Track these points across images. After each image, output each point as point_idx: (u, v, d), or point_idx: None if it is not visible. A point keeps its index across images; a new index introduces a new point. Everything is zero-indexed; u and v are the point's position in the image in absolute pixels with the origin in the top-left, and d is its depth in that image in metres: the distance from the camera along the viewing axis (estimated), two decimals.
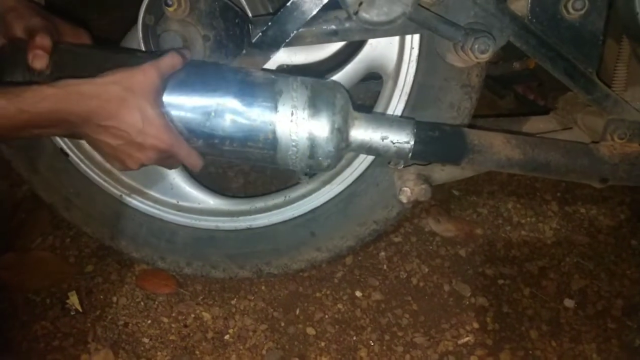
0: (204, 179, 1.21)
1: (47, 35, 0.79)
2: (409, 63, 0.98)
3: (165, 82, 0.79)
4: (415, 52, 0.97)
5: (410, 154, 0.82)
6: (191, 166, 0.86)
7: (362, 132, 0.82)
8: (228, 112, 0.78)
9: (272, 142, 0.79)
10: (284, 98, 0.78)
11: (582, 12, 0.81)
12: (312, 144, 0.78)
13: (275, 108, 0.78)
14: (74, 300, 1.19)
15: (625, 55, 0.92)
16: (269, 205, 1.15)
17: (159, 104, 0.78)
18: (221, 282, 1.22)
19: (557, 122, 1.09)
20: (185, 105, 0.79)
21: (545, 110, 1.38)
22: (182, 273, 1.20)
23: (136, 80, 0.75)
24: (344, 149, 0.82)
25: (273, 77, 0.82)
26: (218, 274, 1.18)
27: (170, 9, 0.84)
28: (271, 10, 1.07)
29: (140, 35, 0.99)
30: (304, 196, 1.13)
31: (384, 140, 0.82)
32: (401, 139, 0.82)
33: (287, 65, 1.03)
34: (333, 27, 0.86)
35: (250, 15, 0.96)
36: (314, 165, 0.82)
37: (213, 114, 0.78)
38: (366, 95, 1.28)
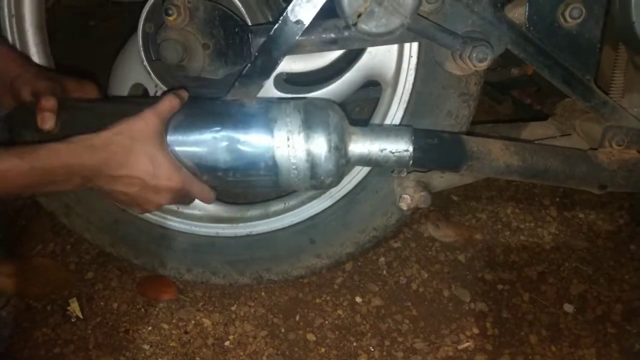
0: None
1: (52, 96, 0.83)
2: (407, 71, 0.99)
3: (167, 124, 0.82)
4: (414, 60, 0.97)
5: (410, 162, 0.83)
6: (204, 201, 0.90)
7: (360, 146, 0.83)
8: (227, 145, 0.81)
9: (273, 168, 0.82)
10: (278, 124, 0.81)
11: (580, 20, 0.82)
12: (312, 165, 0.80)
13: (272, 135, 0.81)
14: (74, 307, 1.20)
15: (622, 62, 0.92)
16: (269, 212, 1.15)
17: (164, 146, 0.81)
18: (221, 289, 1.22)
19: (556, 128, 1.09)
20: (187, 143, 0.82)
21: (544, 115, 1.39)
22: (182, 279, 1.20)
23: (138, 128, 0.78)
24: (344, 165, 0.83)
25: (266, 105, 0.84)
26: (218, 280, 1.18)
27: (170, 18, 0.85)
28: (270, 19, 1.08)
29: (140, 43, 1.00)
30: (303, 203, 1.13)
31: (383, 152, 0.83)
32: (400, 147, 0.83)
33: (287, 74, 1.03)
34: (332, 35, 0.87)
35: (249, 24, 0.97)
36: (318, 185, 0.84)
37: (213, 148, 0.81)
38: (365, 102, 1.28)
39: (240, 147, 0.82)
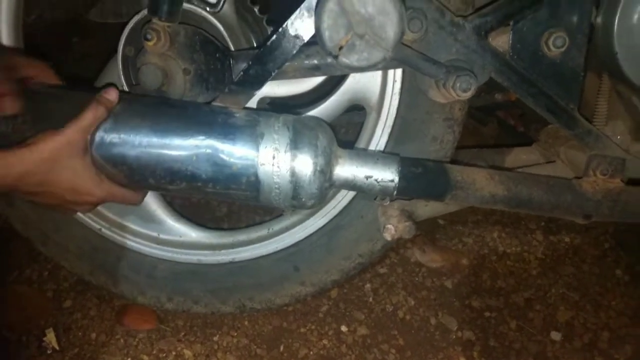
0: (187, 209, 1.19)
1: (7, 79, 0.78)
2: (391, 96, 0.98)
3: (94, 135, 0.79)
4: (398, 85, 0.97)
5: (395, 192, 0.81)
6: (130, 204, 0.90)
7: (345, 171, 0.81)
8: (210, 155, 0.78)
9: (254, 184, 0.79)
10: (265, 141, 0.78)
11: (563, 49, 0.82)
12: (295, 186, 0.78)
13: (257, 150, 0.78)
14: (50, 337, 1.16)
15: (605, 90, 0.92)
16: (252, 238, 1.13)
17: (86, 161, 0.79)
18: (203, 317, 1.19)
19: (540, 153, 1.09)
20: (166, 148, 0.78)
21: (529, 137, 1.40)
22: (163, 308, 1.16)
23: (60, 146, 0.76)
24: (327, 188, 0.81)
25: (255, 117, 0.81)
26: (200, 309, 1.15)
27: (150, 43, 0.83)
28: (254, 43, 1.07)
29: (120, 66, 0.99)
30: (287, 229, 1.11)
31: (368, 179, 0.81)
32: (385, 177, 0.81)
33: (270, 98, 1.02)
34: (315, 62, 0.86)
35: (232, 49, 0.96)
36: (298, 205, 0.81)
37: (195, 157, 0.78)
38: (349, 126, 1.28)
39: (223, 159, 0.78)
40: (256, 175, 0.78)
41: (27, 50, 1.04)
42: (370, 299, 1.24)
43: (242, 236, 1.14)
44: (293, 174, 0.77)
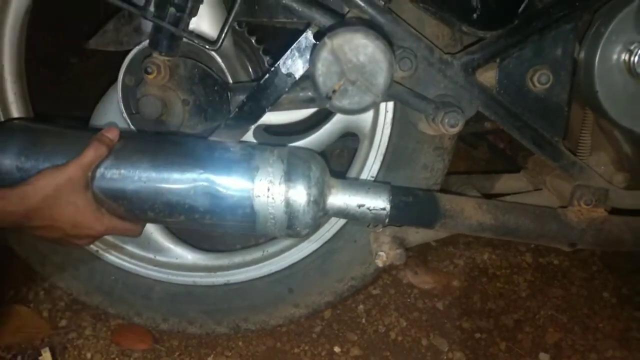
0: (183, 232, 1.21)
1: None
2: (383, 125, 1.02)
3: (95, 171, 0.82)
4: (390, 115, 1.00)
5: (387, 220, 0.84)
6: (130, 236, 0.93)
7: (338, 199, 0.84)
8: (207, 188, 0.81)
9: (250, 216, 0.82)
10: (260, 174, 0.81)
11: (547, 85, 0.85)
12: (290, 217, 0.81)
13: (252, 182, 0.81)
14: (46, 357, 1.16)
15: (589, 122, 0.96)
16: (247, 261, 1.15)
17: (87, 197, 0.81)
18: (198, 338, 1.21)
19: (528, 181, 1.12)
20: (165, 183, 0.81)
21: (518, 164, 1.42)
22: (158, 329, 1.18)
23: (61, 183, 0.79)
24: (321, 218, 0.84)
25: (250, 151, 0.84)
26: (195, 330, 1.16)
27: (150, 77, 0.86)
28: (251, 72, 1.10)
29: (120, 95, 1.01)
30: (282, 251, 1.13)
31: (361, 208, 0.84)
32: (377, 205, 0.84)
33: (266, 125, 1.05)
34: (309, 94, 0.89)
35: (230, 81, 0.99)
36: (293, 234, 0.84)
37: (193, 191, 0.81)
38: (343, 150, 1.31)
39: (219, 193, 0.81)
40: (252, 206, 0.80)
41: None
42: (363, 320, 1.27)
43: (237, 258, 1.16)
44: (287, 204, 0.80)
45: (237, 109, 0.85)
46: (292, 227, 0.81)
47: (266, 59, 1.11)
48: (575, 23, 0.83)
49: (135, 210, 0.84)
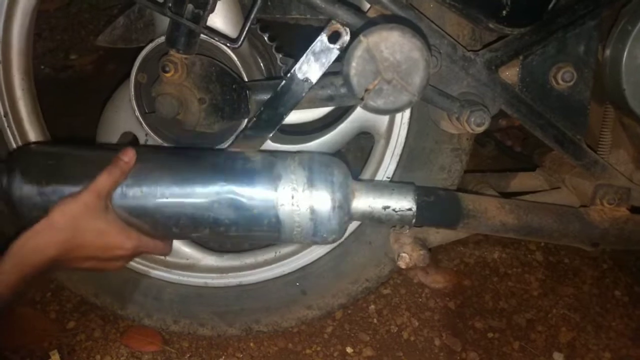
0: None
1: None
2: (400, 125, 1.00)
3: (115, 192, 0.81)
4: (407, 114, 0.99)
5: (414, 220, 0.83)
6: (161, 255, 0.95)
7: (362, 203, 0.83)
8: (231, 200, 0.80)
9: (275, 225, 0.81)
10: (283, 182, 0.80)
11: (571, 83, 0.84)
12: (316, 223, 0.80)
13: (276, 191, 0.80)
14: (55, 359, 1.15)
15: (610, 120, 0.95)
16: (259, 262, 1.14)
17: (110, 218, 0.81)
18: (208, 339, 1.19)
19: (544, 179, 1.11)
20: (188, 197, 0.81)
21: (525, 157, 1.42)
22: (168, 330, 1.17)
23: (78, 214, 0.78)
24: (346, 222, 0.83)
25: (272, 159, 0.84)
26: (206, 332, 1.15)
27: (168, 75, 0.84)
28: (263, 69, 1.08)
29: (132, 93, 0.99)
30: (294, 253, 1.12)
31: (386, 210, 0.83)
32: (403, 206, 0.83)
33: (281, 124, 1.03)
34: (329, 92, 0.87)
35: (245, 77, 0.97)
36: (319, 241, 0.83)
37: (217, 204, 0.80)
38: (357, 149, 1.29)
39: (243, 204, 0.80)
40: (277, 215, 0.80)
41: None
42: (375, 320, 1.25)
43: (249, 259, 1.14)
44: (312, 211, 0.79)
45: (254, 118, 0.84)
46: (317, 233, 0.81)
47: (279, 56, 1.10)
48: (599, 20, 0.82)
49: (159, 227, 0.83)
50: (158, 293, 1.14)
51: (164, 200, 0.81)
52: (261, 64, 1.09)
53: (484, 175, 1.17)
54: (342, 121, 1.03)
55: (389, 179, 1.03)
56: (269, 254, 1.14)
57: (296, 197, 0.79)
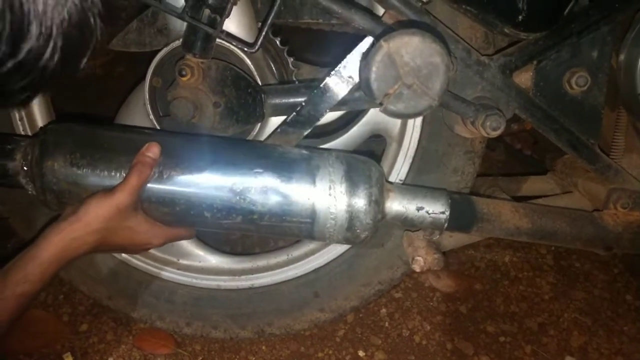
0: (206, 235, 1.19)
1: None
2: (413, 128, 1.01)
3: (143, 191, 0.82)
4: (419, 117, 0.99)
5: (446, 224, 0.83)
6: (187, 240, 1.03)
7: (397, 204, 0.83)
8: (267, 188, 0.80)
9: (310, 216, 0.80)
10: (321, 173, 0.80)
11: (585, 88, 0.84)
12: (351, 217, 0.79)
13: (314, 183, 0.80)
14: None
15: (622, 124, 0.95)
16: (272, 264, 1.14)
17: (139, 218, 0.83)
18: (221, 342, 1.20)
19: (556, 183, 1.11)
20: (223, 184, 0.81)
21: (534, 161, 1.42)
22: (181, 333, 1.17)
23: (108, 213, 0.80)
24: (380, 221, 0.83)
25: (309, 152, 0.84)
26: (219, 334, 1.15)
27: (184, 79, 0.85)
28: (275, 73, 1.09)
29: (147, 97, 1.00)
30: (306, 255, 1.13)
31: (420, 211, 0.83)
32: (437, 209, 0.83)
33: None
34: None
35: (259, 81, 0.97)
36: (351, 238, 0.82)
37: (252, 190, 0.80)
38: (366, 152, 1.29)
39: (280, 192, 0.80)
40: (313, 206, 0.80)
41: None
42: (387, 324, 1.25)
43: (261, 262, 1.15)
44: (349, 204, 0.79)
45: (294, 113, 0.84)
46: (351, 228, 0.80)
47: (290, 60, 1.10)
48: (613, 25, 0.82)
49: (191, 213, 0.82)
50: (170, 295, 1.14)
51: (198, 186, 0.81)
52: (273, 68, 1.10)
53: (495, 178, 1.17)
54: (355, 124, 1.03)
55: (401, 182, 1.03)
56: (281, 257, 1.14)
57: (333, 189, 0.79)
